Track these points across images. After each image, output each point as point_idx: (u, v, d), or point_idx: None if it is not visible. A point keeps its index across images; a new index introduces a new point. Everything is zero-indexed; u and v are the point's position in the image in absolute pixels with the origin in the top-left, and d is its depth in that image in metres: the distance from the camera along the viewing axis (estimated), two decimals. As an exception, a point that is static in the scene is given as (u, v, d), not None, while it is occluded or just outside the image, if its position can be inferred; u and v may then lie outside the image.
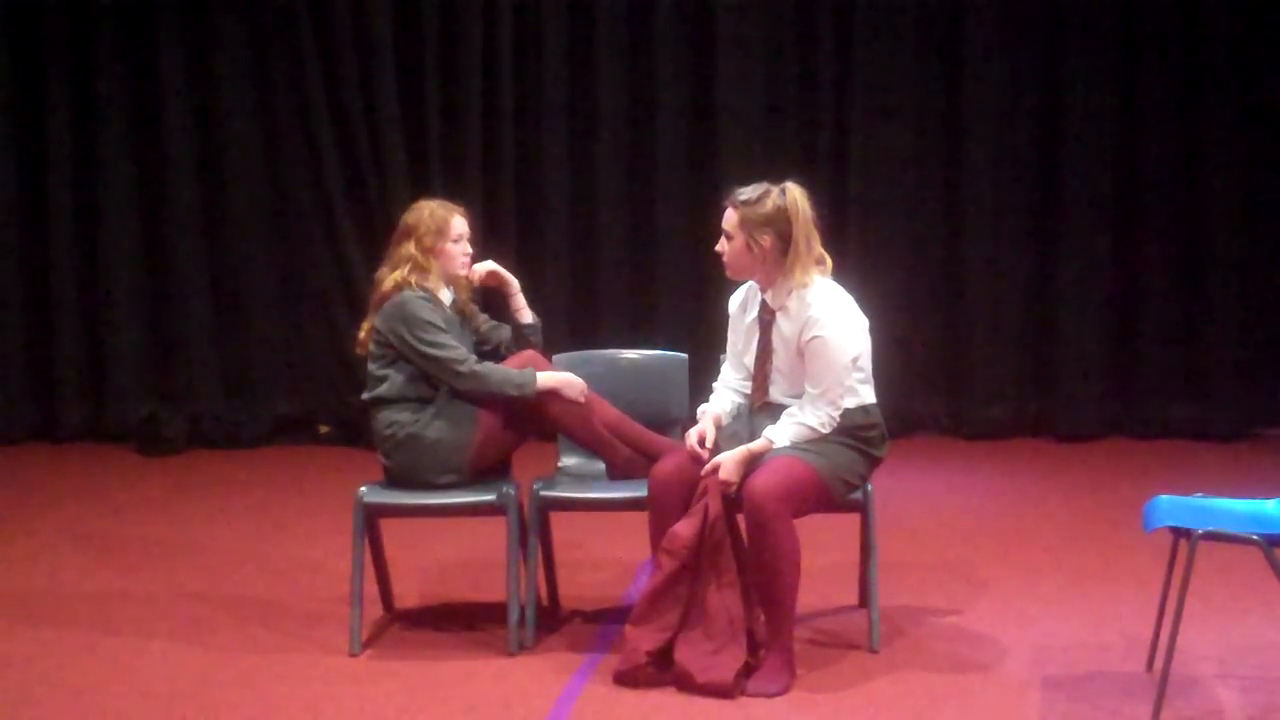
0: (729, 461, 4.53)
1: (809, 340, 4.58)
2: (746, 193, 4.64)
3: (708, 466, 4.55)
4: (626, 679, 4.50)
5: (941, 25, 8.31)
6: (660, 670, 4.49)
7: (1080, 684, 4.50)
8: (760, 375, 4.74)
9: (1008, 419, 8.40)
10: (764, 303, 4.71)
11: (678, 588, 4.51)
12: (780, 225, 4.59)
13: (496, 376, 4.90)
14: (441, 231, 5.03)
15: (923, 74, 8.34)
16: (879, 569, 4.88)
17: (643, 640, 4.50)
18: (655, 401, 5.33)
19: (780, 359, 4.68)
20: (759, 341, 4.73)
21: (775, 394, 4.71)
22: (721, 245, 4.69)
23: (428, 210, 5.07)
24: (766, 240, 4.58)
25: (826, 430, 4.60)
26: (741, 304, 4.84)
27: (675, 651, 4.48)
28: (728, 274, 4.76)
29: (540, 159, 8.39)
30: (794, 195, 4.62)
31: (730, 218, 4.64)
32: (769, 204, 4.59)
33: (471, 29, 8.25)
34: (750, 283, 4.81)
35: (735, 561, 4.52)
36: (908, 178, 8.38)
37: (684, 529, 4.49)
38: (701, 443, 4.63)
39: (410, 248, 5.01)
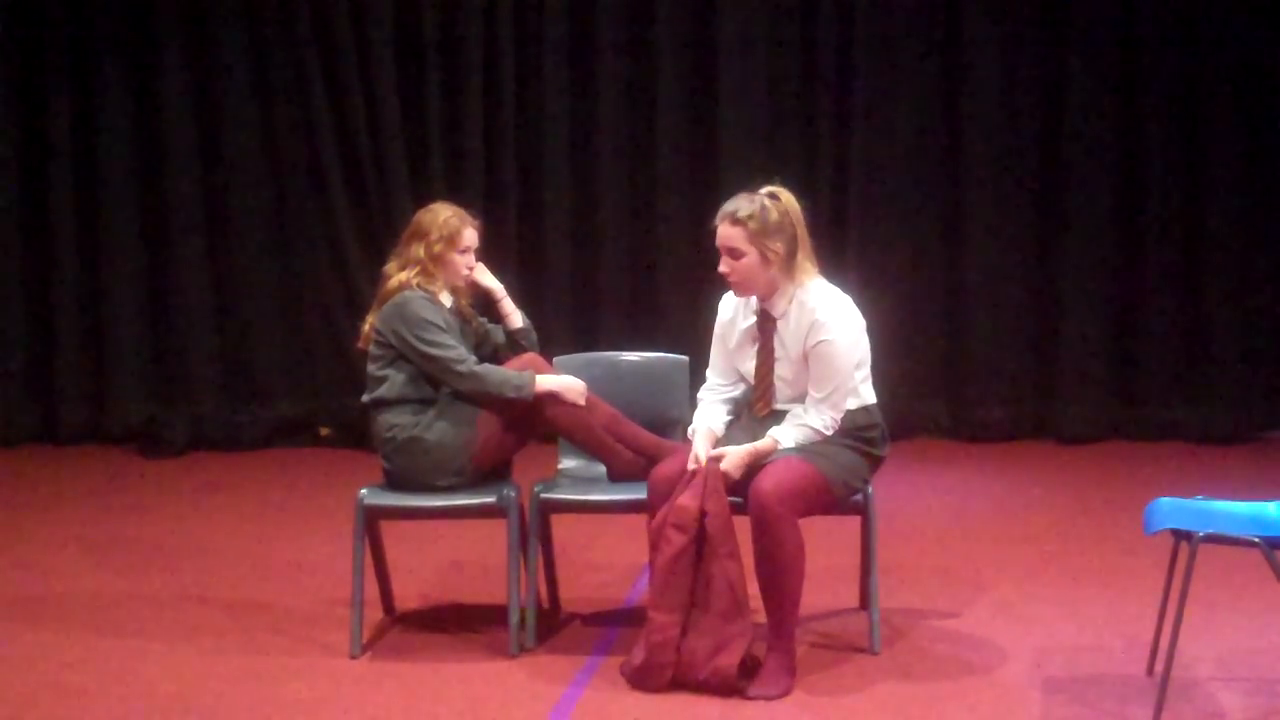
0: (733, 456, 4.53)
1: (815, 345, 4.57)
2: (743, 207, 4.58)
3: (714, 452, 4.54)
4: (641, 676, 4.47)
5: (942, 26, 8.31)
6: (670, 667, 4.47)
7: (1081, 687, 4.50)
8: (763, 385, 4.73)
9: (1008, 421, 8.40)
10: (764, 311, 4.69)
11: (685, 565, 4.47)
12: (788, 230, 4.58)
13: (495, 377, 4.90)
14: (451, 241, 5.03)
15: (923, 75, 8.34)
16: (880, 571, 4.88)
17: (666, 627, 4.44)
18: (656, 404, 5.32)
19: (783, 366, 4.67)
20: (760, 350, 4.72)
21: (780, 402, 4.71)
22: (726, 265, 4.61)
23: (442, 216, 5.06)
24: (780, 247, 4.56)
25: (830, 432, 4.60)
26: (733, 312, 4.81)
27: (684, 636, 4.47)
28: (737, 293, 4.71)
29: (541, 161, 8.39)
30: (788, 197, 4.62)
31: (735, 235, 4.57)
32: (774, 212, 4.57)
33: (472, 31, 8.26)
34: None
35: (734, 535, 4.50)
36: (908, 179, 8.38)
37: (689, 501, 4.45)
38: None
39: (420, 250, 5.02)
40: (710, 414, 4.78)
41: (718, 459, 4.53)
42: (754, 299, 4.72)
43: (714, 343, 4.86)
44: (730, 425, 4.78)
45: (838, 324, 4.58)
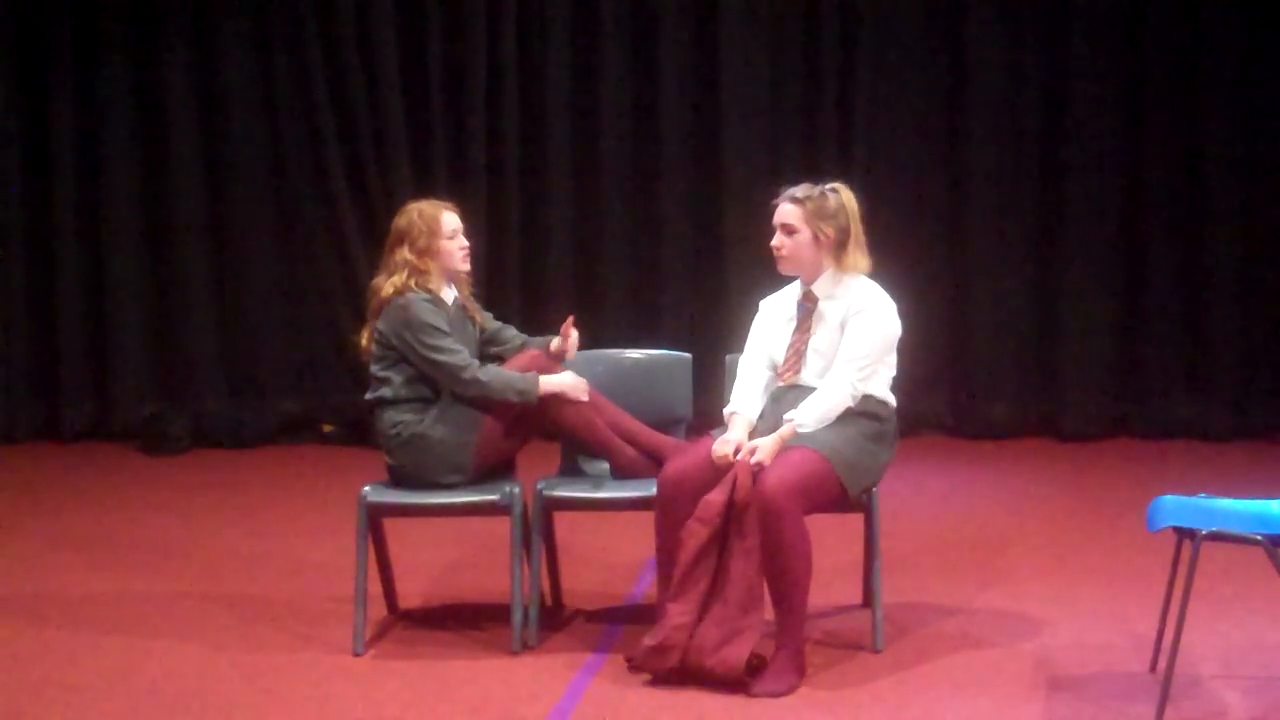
0: (766, 446, 4.57)
1: (855, 314, 4.73)
2: (804, 189, 4.82)
3: (744, 451, 4.56)
4: (652, 656, 4.48)
5: (945, 25, 8.32)
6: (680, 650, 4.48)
7: (1084, 684, 4.51)
8: (794, 353, 4.80)
9: (1012, 419, 8.40)
10: (808, 292, 4.83)
11: (708, 556, 4.52)
12: (842, 220, 4.80)
13: (499, 383, 4.89)
14: (433, 231, 5.00)
15: (926, 73, 8.34)
16: (882, 569, 4.88)
17: (681, 614, 4.48)
18: (659, 401, 5.32)
19: (819, 339, 4.77)
20: (797, 327, 4.83)
21: (807, 375, 4.76)
22: (779, 240, 4.80)
23: (416, 211, 5.03)
24: (831, 232, 4.77)
25: (848, 404, 4.66)
26: (778, 305, 4.93)
27: (698, 623, 4.48)
28: (782, 268, 4.86)
29: (544, 160, 8.40)
30: (848, 193, 4.85)
31: (793, 213, 4.78)
32: (831, 200, 4.80)
33: (475, 29, 8.26)
34: (783, 291, 4.91)
35: (757, 529, 4.52)
36: (911, 177, 8.39)
37: (716, 497, 4.51)
38: (737, 452, 4.60)
39: (405, 253, 4.98)
40: (748, 399, 4.81)
41: (750, 453, 4.55)
42: (800, 287, 4.84)
43: (754, 329, 4.95)
44: (762, 416, 4.80)
45: (880, 308, 4.77)
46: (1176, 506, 4.26)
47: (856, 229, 4.82)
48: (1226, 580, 5.20)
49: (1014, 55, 8.29)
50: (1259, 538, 4.00)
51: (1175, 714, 4.19)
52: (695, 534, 4.51)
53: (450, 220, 5.05)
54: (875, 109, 8.32)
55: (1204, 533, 4.03)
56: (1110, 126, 8.26)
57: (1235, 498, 4.41)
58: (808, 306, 4.83)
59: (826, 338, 4.76)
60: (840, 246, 4.80)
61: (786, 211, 4.81)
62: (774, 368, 4.86)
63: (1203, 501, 4.32)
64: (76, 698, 4.51)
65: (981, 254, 8.38)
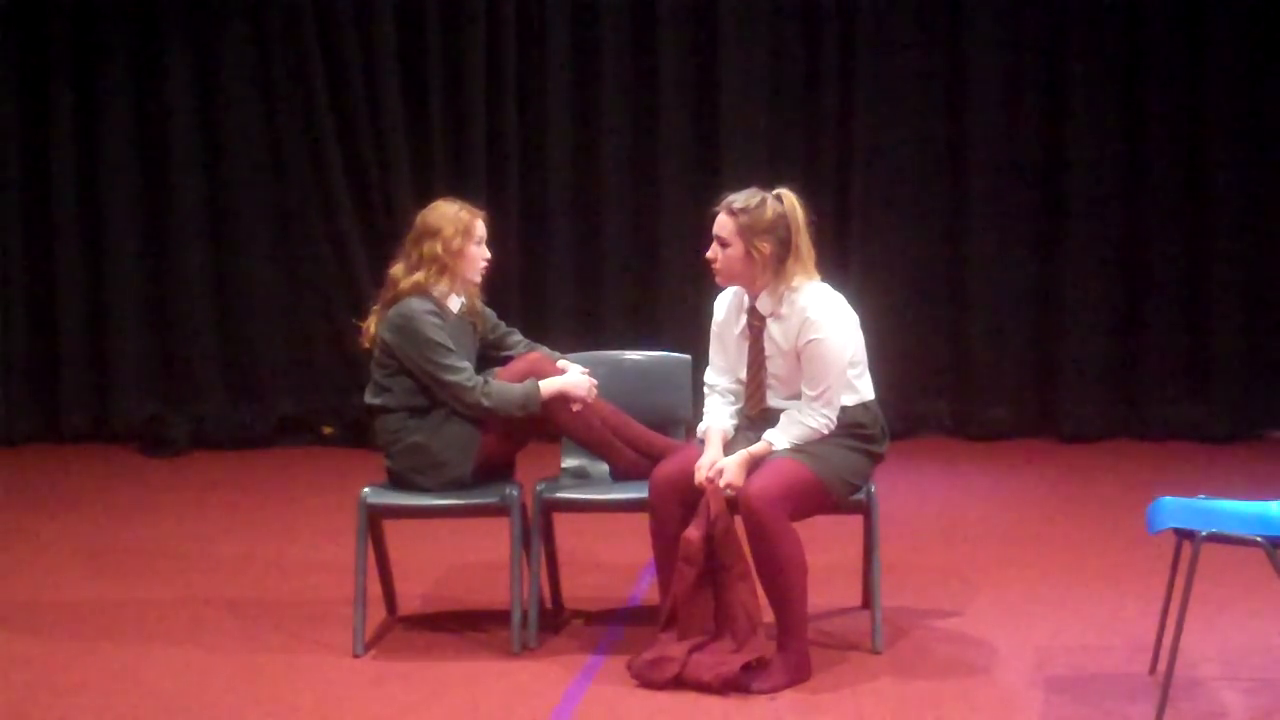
0: (731, 465, 4.53)
1: (806, 344, 4.57)
2: (742, 199, 4.62)
3: (711, 470, 4.55)
4: (649, 669, 4.48)
5: (944, 28, 8.31)
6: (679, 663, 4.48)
7: (1083, 686, 4.50)
8: (755, 383, 4.72)
9: (1011, 420, 8.40)
10: (753, 309, 4.70)
11: (704, 592, 4.52)
12: (780, 232, 4.59)
13: (502, 402, 4.84)
14: (468, 233, 4.97)
15: (926, 76, 8.33)
16: (882, 570, 4.88)
17: (676, 645, 4.50)
18: (659, 403, 5.32)
19: (776, 365, 4.67)
20: (750, 349, 4.71)
21: (773, 399, 4.70)
22: (714, 252, 4.65)
23: (452, 211, 5.00)
24: (767, 248, 4.58)
25: (827, 431, 4.60)
26: (727, 314, 4.80)
27: (699, 651, 4.50)
28: (718, 280, 4.74)
29: (544, 161, 8.39)
30: (791, 201, 4.63)
31: (727, 225, 4.61)
32: (769, 211, 4.59)
33: (475, 31, 8.26)
34: (734, 291, 4.77)
35: (744, 553, 4.52)
36: (911, 178, 8.38)
37: (693, 534, 4.49)
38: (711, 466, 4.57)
39: (435, 247, 4.93)
40: (718, 413, 4.77)
41: (717, 476, 4.52)
42: (746, 298, 4.72)
43: (711, 340, 4.86)
44: (737, 428, 4.77)
45: (829, 322, 4.58)
46: (1176, 508, 4.26)
47: (801, 239, 4.58)
48: (1226, 582, 5.19)
49: (1014, 55, 8.28)
50: (1259, 539, 4.00)
51: (1175, 716, 4.19)
52: (684, 575, 4.49)
53: (480, 228, 5.04)
54: (875, 109, 8.31)
55: (1204, 534, 4.03)
56: (1110, 127, 8.24)
57: (1235, 499, 4.41)
58: (756, 326, 4.69)
59: (782, 363, 4.64)
60: (779, 260, 4.60)
61: (721, 223, 4.62)
62: (738, 383, 4.79)
63: (1202, 503, 4.32)
64: (73, 699, 4.50)
65: (981, 255, 8.37)
